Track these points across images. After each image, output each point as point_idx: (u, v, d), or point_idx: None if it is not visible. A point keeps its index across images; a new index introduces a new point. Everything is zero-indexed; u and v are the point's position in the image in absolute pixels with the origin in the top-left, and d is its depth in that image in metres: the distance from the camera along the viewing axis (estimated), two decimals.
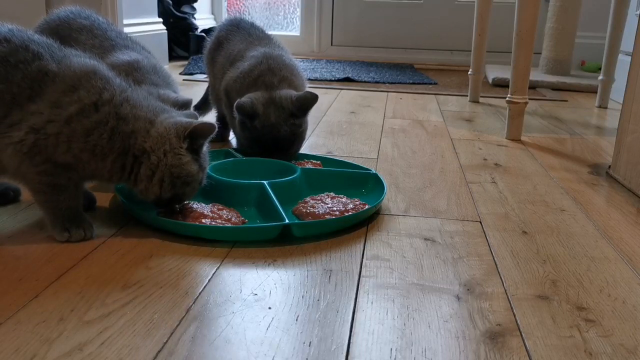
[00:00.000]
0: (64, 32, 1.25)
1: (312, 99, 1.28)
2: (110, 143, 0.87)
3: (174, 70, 2.78)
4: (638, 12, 2.38)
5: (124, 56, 1.23)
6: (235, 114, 1.28)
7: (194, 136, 0.90)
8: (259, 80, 1.31)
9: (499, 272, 0.87)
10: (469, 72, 2.36)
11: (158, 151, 0.89)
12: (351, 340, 0.67)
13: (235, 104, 1.26)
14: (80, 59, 0.91)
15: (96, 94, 0.87)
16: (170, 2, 3.27)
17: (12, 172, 0.87)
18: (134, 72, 1.17)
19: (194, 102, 1.44)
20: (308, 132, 1.38)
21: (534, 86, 2.72)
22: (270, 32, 1.53)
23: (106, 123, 0.87)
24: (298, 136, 1.30)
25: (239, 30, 1.49)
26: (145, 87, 1.13)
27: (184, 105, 1.11)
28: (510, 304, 0.77)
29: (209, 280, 0.80)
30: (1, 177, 0.93)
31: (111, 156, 0.88)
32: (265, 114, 1.26)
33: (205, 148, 0.96)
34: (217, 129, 0.93)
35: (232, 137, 1.52)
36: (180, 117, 0.93)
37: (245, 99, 1.27)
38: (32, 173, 0.86)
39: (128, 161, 0.90)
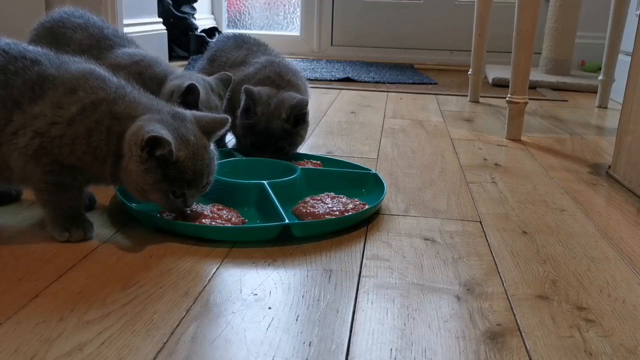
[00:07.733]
0: (58, 31, 1.26)
1: (304, 105, 1.31)
2: (107, 145, 0.87)
3: None
4: (638, 12, 2.38)
5: (126, 56, 1.23)
6: (242, 100, 1.31)
7: (150, 147, 0.83)
8: (267, 81, 1.36)
9: (499, 272, 0.87)
10: (469, 72, 2.36)
11: (125, 155, 0.86)
12: (351, 340, 0.67)
13: (243, 87, 1.30)
14: (77, 64, 0.92)
15: (93, 93, 0.87)
16: (170, 2, 3.27)
17: (18, 173, 0.88)
18: (151, 68, 1.22)
19: None
20: (308, 132, 1.38)
21: (534, 86, 2.72)
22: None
23: (102, 123, 0.87)
24: (291, 135, 1.31)
25: (234, 43, 1.53)
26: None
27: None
28: (510, 304, 0.77)
29: (209, 280, 0.80)
30: (7, 184, 0.93)
31: (110, 160, 0.87)
32: (266, 103, 1.30)
33: (213, 148, 0.93)
34: (170, 145, 0.82)
35: (228, 140, 1.52)
36: (149, 123, 0.85)
37: (253, 86, 1.32)
38: (39, 172, 0.87)
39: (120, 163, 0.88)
